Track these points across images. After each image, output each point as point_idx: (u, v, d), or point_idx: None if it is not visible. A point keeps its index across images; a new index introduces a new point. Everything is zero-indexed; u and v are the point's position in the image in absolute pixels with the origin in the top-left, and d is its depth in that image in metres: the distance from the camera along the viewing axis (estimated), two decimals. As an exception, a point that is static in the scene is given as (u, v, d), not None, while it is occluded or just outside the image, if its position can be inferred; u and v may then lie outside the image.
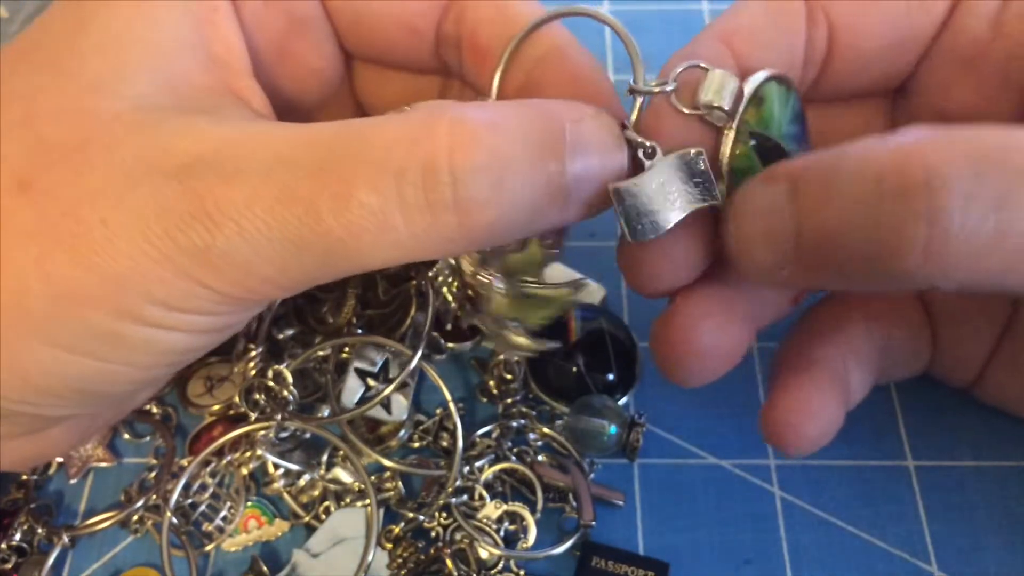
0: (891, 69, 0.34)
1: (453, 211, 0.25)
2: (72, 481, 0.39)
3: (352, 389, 0.39)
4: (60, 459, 0.39)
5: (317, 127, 0.27)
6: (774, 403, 0.33)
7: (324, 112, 0.38)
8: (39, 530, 0.37)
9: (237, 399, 0.39)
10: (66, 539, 0.37)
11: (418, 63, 0.35)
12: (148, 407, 0.41)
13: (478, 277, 0.34)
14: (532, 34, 0.32)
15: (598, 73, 0.32)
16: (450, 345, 0.42)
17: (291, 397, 0.38)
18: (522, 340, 0.35)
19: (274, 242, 0.25)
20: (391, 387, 0.37)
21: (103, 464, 0.40)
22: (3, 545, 0.37)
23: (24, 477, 0.39)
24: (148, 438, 0.41)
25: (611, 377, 0.40)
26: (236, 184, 0.25)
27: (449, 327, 0.42)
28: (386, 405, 0.39)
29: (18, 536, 0.37)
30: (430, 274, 0.40)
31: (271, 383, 0.38)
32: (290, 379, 0.38)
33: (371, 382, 0.39)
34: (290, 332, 0.41)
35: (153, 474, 0.39)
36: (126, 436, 0.41)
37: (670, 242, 0.29)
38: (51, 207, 0.26)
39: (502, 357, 0.41)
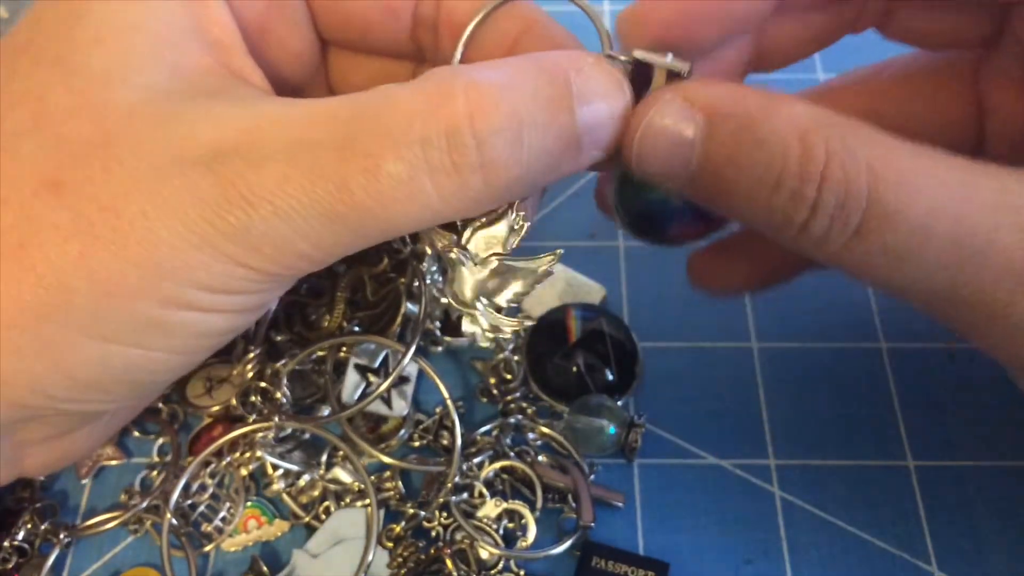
0: None
1: (479, 172, 0.27)
2: (83, 481, 0.39)
3: (352, 385, 0.39)
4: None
5: (329, 104, 0.28)
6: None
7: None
8: (42, 527, 0.37)
9: (234, 402, 0.39)
10: (63, 538, 0.37)
11: (394, 46, 0.36)
12: (157, 405, 0.41)
13: (449, 255, 0.34)
14: (505, 10, 0.33)
15: (577, 43, 0.33)
16: (447, 339, 0.42)
17: (284, 398, 0.38)
18: (494, 319, 0.35)
19: (309, 219, 0.26)
20: (388, 381, 0.37)
21: (113, 462, 0.40)
22: (6, 544, 0.36)
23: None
24: (153, 436, 0.41)
25: (611, 377, 0.40)
26: (265, 169, 0.26)
27: (437, 324, 0.42)
28: (387, 401, 0.39)
29: (21, 535, 0.37)
30: (423, 265, 0.40)
31: (264, 384, 0.38)
32: (284, 379, 0.38)
33: (371, 378, 0.39)
34: (283, 338, 0.41)
35: (155, 472, 0.39)
36: (136, 434, 0.41)
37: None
38: (86, 205, 0.26)
39: (502, 356, 0.41)
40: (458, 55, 0.33)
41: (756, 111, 0.27)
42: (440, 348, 0.43)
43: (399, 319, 0.40)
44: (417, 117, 0.26)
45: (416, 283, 0.40)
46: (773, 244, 0.30)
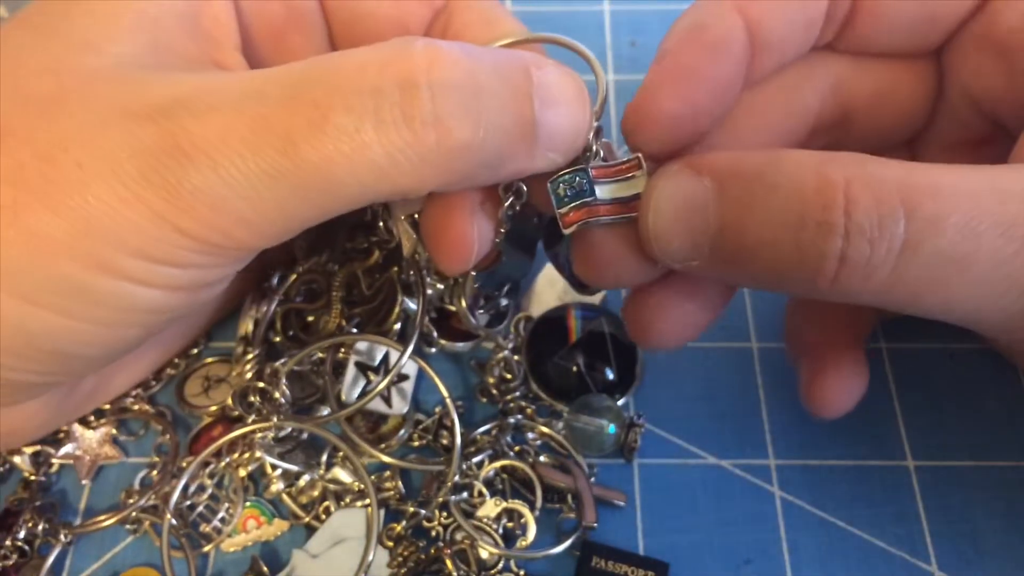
0: (918, 40, 0.34)
1: (432, 126, 0.25)
2: (83, 481, 0.39)
3: (352, 383, 0.39)
4: (65, 460, 0.39)
5: (287, 65, 0.27)
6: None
7: None
8: (42, 527, 0.37)
9: (230, 402, 0.39)
10: (63, 537, 0.37)
11: None
12: (143, 405, 0.41)
13: (398, 223, 0.35)
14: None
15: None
16: (443, 342, 0.42)
17: (283, 398, 0.38)
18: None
19: (249, 175, 0.25)
20: (387, 378, 0.37)
21: (111, 461, 0.40)
22: (7, 543, 0.36)
23: (31, 477, 0.39)
24: (142, 433, 0.41)
25: (611, 376, 0.40)
26: (209, 120, 0.25)
27: (433, 320, 0.42)
28: (386, 399, 0.39)
29: (22, 534, 0.37)
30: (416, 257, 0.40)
31: (263, 384, 0.38)
32: (283, 379, 0.38)
33: (371, 376, 0.39)
34: (281, 340, 0.41)
35: (155, 472, 0.39)
36: (135, 434, 0.41)
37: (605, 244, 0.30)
38: (24, 152, 0.26)
39: (502, 355, 0.41)
40: None
41: (763, 164, 0.27)
42: (434, 349, 0.42)
43: (396, 311, 0.40)
44: (371, 67, 0.25)
45: (411, 273, 0.40)
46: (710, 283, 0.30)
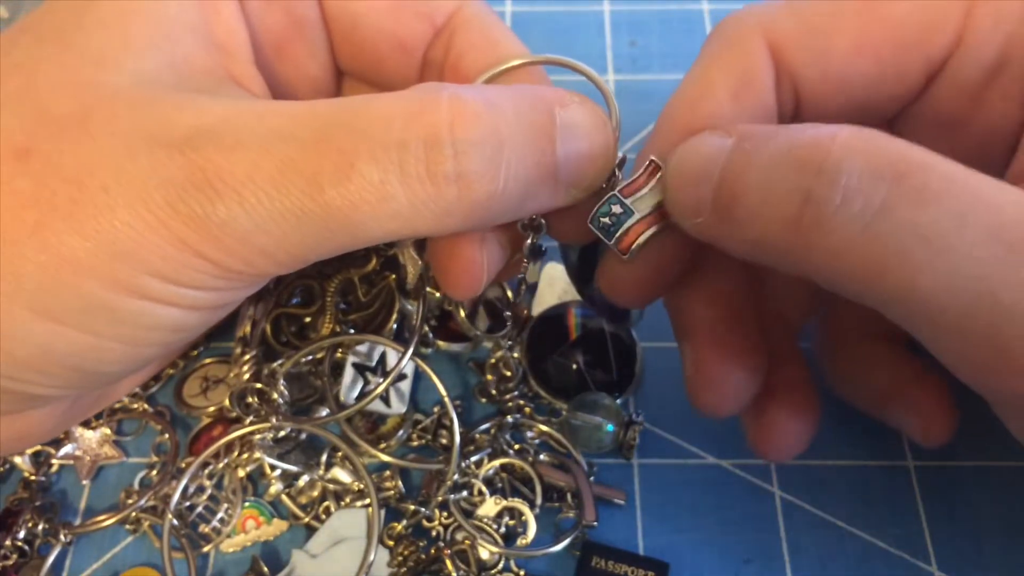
0: (866, 122, 0.34)
1: (454, 182, 0.26)
2: (84, 482, 0.39)
3: (350, 384, 0.39)
4: (65, 460, 0.39)
5: (314, 103, 0.27)
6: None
7: None
8: (42, 525, 0.37)
9: (227, 403, 0.39)
10: (63, 537, 0.37)
11: (404, 83, 0.36)
12: (142, 405, 0.41)
13: (405, 250, 0.36)
14: (511, 73, 0.33)
15: None
16: (440, 343, 0.42)
17: (281, 399, 0.38)
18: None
19: (274, 213, 0.26)
20: (388, 380, 0.37)
21: (111, 461, 0.40)
22: (7, 543, 0.36)
23: (31, 477, 0.39)
24: (142, 433, 0.41)
25: (610, 375, 0.40)
26: (237, 156, 0.26)
27: (430, 326, 0.42)
28: (385, 399, 0.39)
29: (22, 534, 0.37)
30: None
31: (260, 385, 0.38)
32: (281, 379, 0.38)
33: (369, 376, 0.39)
34: (275, 344, 0.41)
35: (155, 472, 0.39)
36: (121, 437, 0.41)
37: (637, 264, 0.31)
38: (51, 175, 0.26)
39: (500, 354, 0.41)
40: None
41: (777, 128, 0.27)
42: (430, 350, 0.42)
43: (394, 316, 0.40)
44: (397, 120, 0.26)
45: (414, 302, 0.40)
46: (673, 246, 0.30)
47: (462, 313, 0.39)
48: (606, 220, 0.30)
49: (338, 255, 0.29)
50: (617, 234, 0.30)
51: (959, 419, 0.34)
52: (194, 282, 0.27)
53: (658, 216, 0.30)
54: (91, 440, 0.40)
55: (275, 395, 0.38)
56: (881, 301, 0.25)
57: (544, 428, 0.40)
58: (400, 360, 0.37)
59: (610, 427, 0.38)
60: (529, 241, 0.32)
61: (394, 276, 0.41)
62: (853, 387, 0.38)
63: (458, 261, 0.32)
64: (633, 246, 0.30)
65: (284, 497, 0.38)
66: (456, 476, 0.37)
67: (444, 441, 0.39)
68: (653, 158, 0.30)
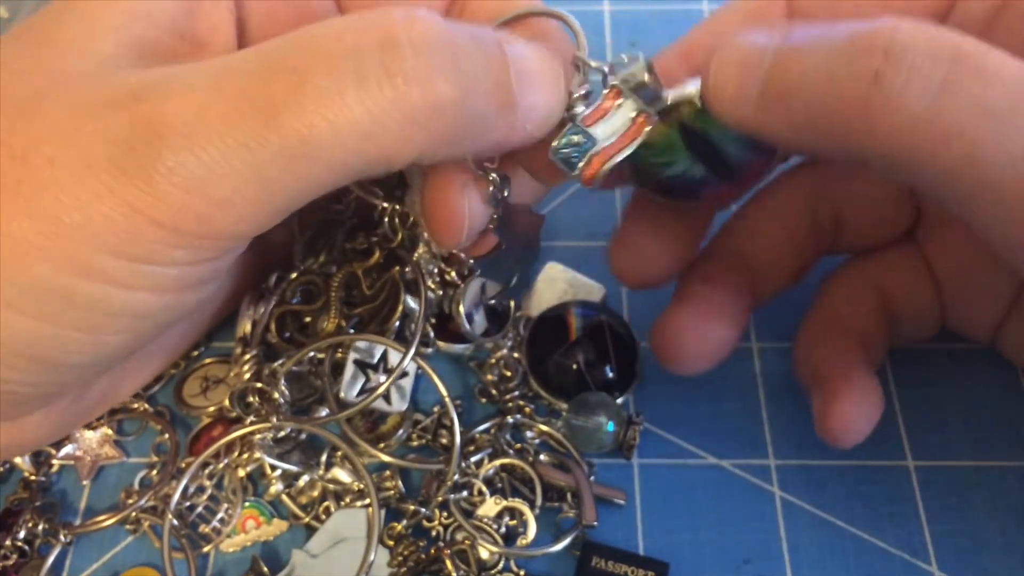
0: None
1: (415, 82, 0.25)
2: (84, 482, 0.39)
3: (351, 381, 0.39)
4: (65, 460, 0.39)
5: (266, 41, 0.26)
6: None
7: None
8: (42, 525, 0.37)
9: (227, 403, 0.39)
10: (63, 537, 0.37)
11: None
12: (142, 405, 0.41)
13: (415, 200, 0.37)
14: (525, 22, 0.33)
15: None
16: (440, 344, 0.42)
17: (282, 399, 0.38)
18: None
19: (226, 151, 0.24)
20: (391, 379, 0.37)
21: (111, 461, 0.40)
22: (8, 543, 0.36)
23: (31, 477, 0.39)
24: (142, 433, 0.41)
25: (611, 375, 0.40)
26: (184, 98, 0.25)
27: (432, 325, 0.42)
28: (386, 396, 0.39)
29: (22, 534, 0.37)
30: (415, 256, 0.40)
31: (260, 384, 0.38)
32: (282, 379, 0.38)
33: (371, 374, 0.39)
34: (279, 341, 0.41)
35: (155, 472, 0.39)
36: (122, 437, 0.41)
37: (652, 235, 0.33)
38: (0, 155, 0.25)
39: (501, 354, 0.41)
40: None
41: (830, 25, 0.27)
42: (431, 350, 0.42)
43: (399, 310, 0.40)
44: (350, 32, 0.25)
45: (409, 270, 0.40)
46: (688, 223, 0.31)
47: (460, 309, 0.39)
48: (565, 151, 0.30)
49: (311, 206, 0.27)
50: (580, 164, 0.30)
51: (874, 428, 0.36)
52: (152, 256, 0.26)
53: (622, 140, 0.30)
54: (91, 440, 0.40)
55: (276, 395, 0.38)
56: (938, 176, 0.26)
57: (544, 428, 0.40)
58: (402, 360, 0.37)
59: (610, 427, 0.38)
60: (492, 189, 0.33)
61: (398, 268, 0.41)
62: (801, 362, 0.39)
63: (442, 208, 0.32)
64: (596, 179, 0.30)
65: (284, 497, 0.38)
66: (456, 476, 0.37)
67: (444, 441, 0.39)
68: (615, 82, 0.30)
